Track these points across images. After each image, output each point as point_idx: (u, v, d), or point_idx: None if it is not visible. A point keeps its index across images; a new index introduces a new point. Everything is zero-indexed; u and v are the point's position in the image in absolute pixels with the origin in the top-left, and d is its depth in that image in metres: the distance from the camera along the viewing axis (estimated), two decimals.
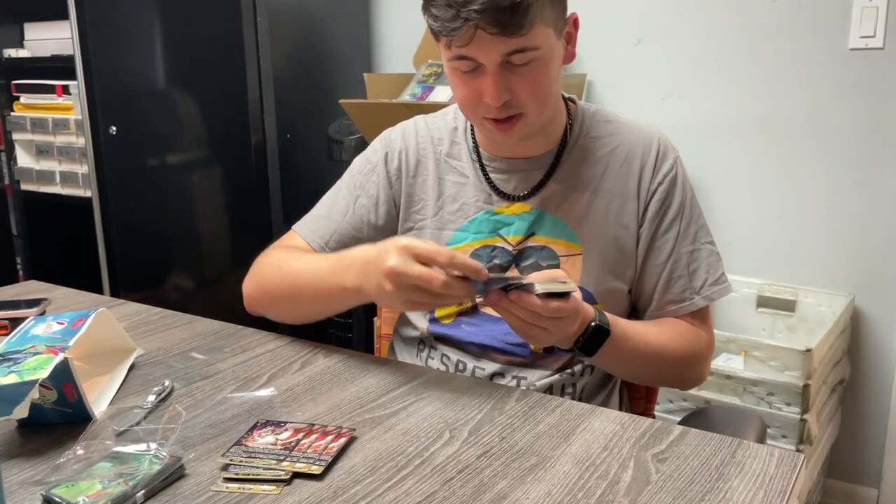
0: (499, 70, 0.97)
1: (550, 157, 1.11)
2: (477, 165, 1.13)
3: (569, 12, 1.03)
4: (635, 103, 2.14)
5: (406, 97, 2.07)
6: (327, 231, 1.16)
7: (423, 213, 1.15)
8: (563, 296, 0.91)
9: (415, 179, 1.15)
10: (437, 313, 1.13)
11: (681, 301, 1.09)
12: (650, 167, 1.09)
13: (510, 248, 1.10)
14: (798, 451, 1.71)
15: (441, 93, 2.03)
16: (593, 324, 0.97)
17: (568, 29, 1.03)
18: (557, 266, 1.08)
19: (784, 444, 1.71)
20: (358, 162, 1.20)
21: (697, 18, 2.05)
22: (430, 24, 0.98)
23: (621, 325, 1.02)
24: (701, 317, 1.11)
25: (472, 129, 1.15)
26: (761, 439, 0.98)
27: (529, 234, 1.09)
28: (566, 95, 1.15)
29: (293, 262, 1.11)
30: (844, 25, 1.88)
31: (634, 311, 1.14)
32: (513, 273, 1.10)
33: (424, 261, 0.89)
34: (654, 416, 1.24)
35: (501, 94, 0.98)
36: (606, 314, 1.01)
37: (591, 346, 0.99)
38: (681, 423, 0.92)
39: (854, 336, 2.00)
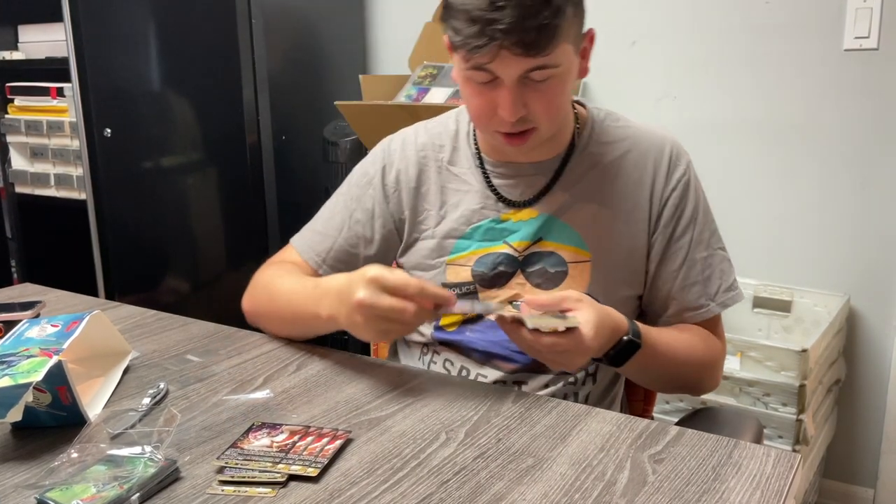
0: (516, 85, 0.95)
1: (557, 162, 1.09)
2: (480, 172, 1.11)
3: (585, 27, 1.01)
4: (631, 105, 2.14)
5: (402, 99, 2.07)
6: (323, 248, 1.16)
7: (427, 223, 1.13)
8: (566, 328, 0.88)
9: (417, 191, 1.14)
10: (442, 321, 1.13)
11: (697, 308, 1.08)
12: (663, 173, 1.08)
13: (516, 255, 1.08)
14: (794, 451, 1.71)
15: (437, 94, 2.03)
16: (626, 338, 0.97)
17: (584, 44, 1.02)
18: (565, 273, 1.07)
19: (780, 445, 1.71)
20: (356, 173, 1.19)
21: (692, 20, 2.06)
22: (449, 36, 0.96)
23: (653, 334, 1.01)
24: (715, 324, 1.11)
25: (475, 135, 1.13)
26: (758, 440, 0.98)
27: (537, 240, 1.08)
28: (575, 99, 1.14)
29: (279, 284, 1.12)
30: (839, 26, 1.88)
31: (644, 317, 1.12)
32: (518, 280, 1.08)
33: (393, 292, 0.88)
34: (652, 418, 1.24)
35: (517, 109, 0.96)
36: (638, 324, 1.00)
37: (620, 358, 0.98)
38: (678, 424, 0.92)
39: (850, 336, 2.00)
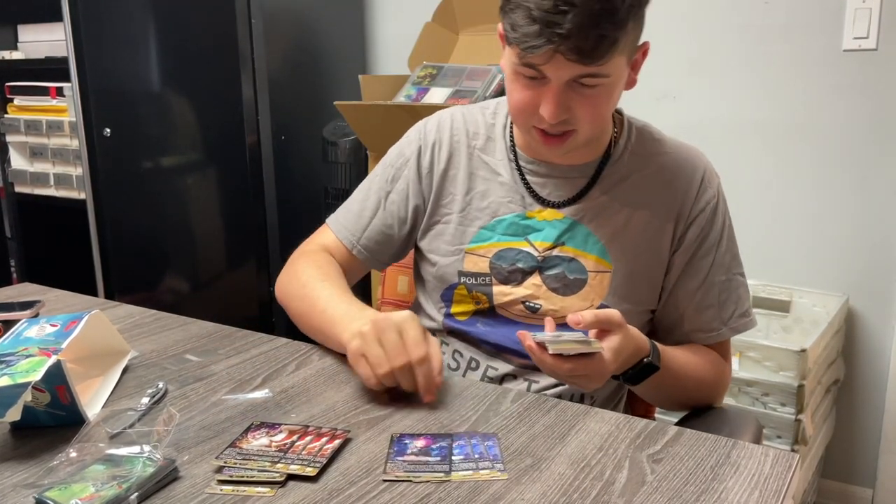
0: (563, 88, 0.95)
1: (592, 168, 1.09)
2: (513, 166, 1.11)
3: (642, 40, 1.00)
4: (630, 105, 2.13)
5: (401, 99, 2.07)
6: (358, 227, 1.16)
7: (451, 207, 1.13)
8: (586, 353, 0.88)
9: (446, 174, 1.13)
10: (453, 309, 1.13)
11: (709, 331, 1.08)
12: (693, 192, 1.07)
13: (536, 255, 1.08)
14: (793, 451, 1.71)
15: (436, 94, 2.03)
16: (646, 360, 0.97)
17: (636, 56, 1.01)
18: (585, 281, 1.06)
19: (779, 445, 1.71)
20: (392, 154, 1.18)
21: (691, 20, 2.06)
22: (505, 29, 0.95)
23: (668, 356, 1.01)
24: (725, 348, 1.11)
25: (512, 128, 1.13)
26: (758, 440, 0.98)
27: (559, 243, 1.08)
28: None
29: (316, 289, 1.06)
30: (838, 27, 1.89)
31: (654, 333, 1.12)
32: (535, 280, 1.07)
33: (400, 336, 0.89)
34: (654, 419, 1.24)
35: (560, 112, 0.96)
36: (658, 346, 0.99)
37: (637, 378, 0.98)
38: (677, 424, 0.92)
39: (848, 336, 2.00)
